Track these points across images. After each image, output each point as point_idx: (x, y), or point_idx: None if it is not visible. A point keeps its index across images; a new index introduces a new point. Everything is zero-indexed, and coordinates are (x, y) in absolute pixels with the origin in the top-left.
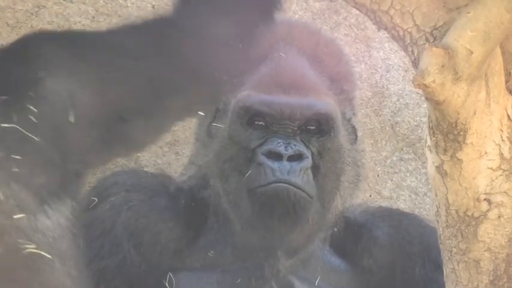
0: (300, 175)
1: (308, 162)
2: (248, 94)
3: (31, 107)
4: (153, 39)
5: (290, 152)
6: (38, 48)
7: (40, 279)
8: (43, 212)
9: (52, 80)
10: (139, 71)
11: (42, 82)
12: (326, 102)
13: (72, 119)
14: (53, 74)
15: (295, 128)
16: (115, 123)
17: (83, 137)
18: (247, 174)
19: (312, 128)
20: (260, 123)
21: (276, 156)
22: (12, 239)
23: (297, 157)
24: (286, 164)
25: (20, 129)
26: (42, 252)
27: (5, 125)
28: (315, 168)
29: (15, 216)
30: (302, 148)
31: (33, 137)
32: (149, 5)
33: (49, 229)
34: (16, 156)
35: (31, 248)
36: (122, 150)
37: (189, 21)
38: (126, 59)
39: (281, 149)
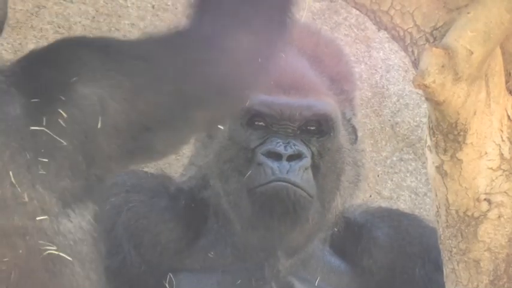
0: (299, 174)
1: (307, 161)
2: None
3: (61, 111)
4: (180, 49)
5: (289, 151)
6: (71, 53)
7: (59, 281)
8: (65, 215)
9: (83, 85)
10: (168, 82)
11: (73, 87)
12: (326, 102)
13: (100, 125)
14: (84, 80)
15: (295, 128)
16: (140, 132)
17: (108, 144)
18: (247, 175)
19: (312, 128)
20: (260, 123)
21: (276, 156)
22: (34, 240)
23: (297, 157)
24: (285, 164)
25: (49, 132)
26: (62, 254)
27: (35, 127)
28: (315, 168)
29: (38, 218)
30: (302, 148)
31: (61, 140)
32: (149, 5)
33: (70, 232)
34: (43, 159)
35: (52, 249)
36: (142, 159)
37: (210, 35)
38: (156, 69)
39: (280, 149)
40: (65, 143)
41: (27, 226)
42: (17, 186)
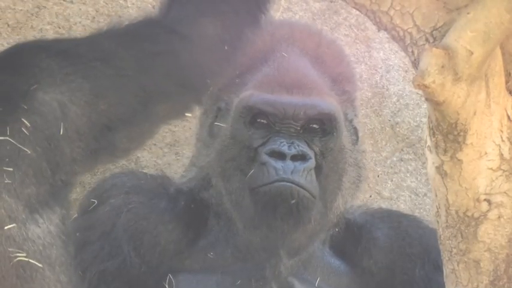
0: (303, 175)
1: (312, 163)
2: (251, 93)
3: (24, 120)
4: (140, 42)
5: (293, 151)
6: (29, 59)
7: (31, 286)
8: (33, 220)
9: (43, 92)
10: (128, 79)
11: (34, 94)
12: (329, 102)
13: (62, 130)
14: (44, 86)
15: (298, 128)
16: (102, 132)
17: (71, 148)
18: (249, 174)
19: (315, 127)
20: (263, 122)
21: (279, 156)
22: (3, 248)
23: (300, 157)
24: (289, 164)
25: (13, 142)
26: (31, 261)
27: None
28: (318, 169)
29: (6, 227)
30: (305, 148)
31: (25, 149)
32: (149, 5)
33: (39, 237)
34: (8, 168)
35: (21, 256)
36: (107, 158)
37: (175, 23)
38: (115, 67)
39: (284, 148)
40: (28, 152)
41: None
42: None
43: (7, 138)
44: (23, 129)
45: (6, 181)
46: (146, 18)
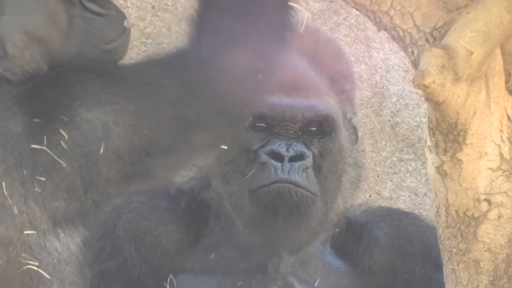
0: (300, 173)
1: (308, 160)
2: None
3: (63, 133)
4: (181, 72)
5: (291, 153)
6: (77, 76)
7: None
8: (55, 233)
9: (87, 110)
10: (170, 106)
11: (76, 110)
12: (327, 103)
13: (102, 150)
14: (88, 103)
15: (297, 130)
16: (140, 157)
17: (108, 168)
18: (249, 175)
19: (313, 129)
20: (262, 125)
21: (278, 157)
22: (17, 252)
23: (298, 158)
24: (287, 165)
25: (49, 152)
26: (41, 271)
27: (35, 146)
28: (317, 169)
29: (25, 232)
30: (303, 149)
31: (61, 162)
32: (149, 5)
33: (56, 251)
34: (41, 178)
35: (33, 264)
36: (141, 184)
37: (210, 55)
38: (159, 93)
39: (282, 150)
40: (64, 165)
41: (12, 237)
42: (8, 198)
43: (44, 148)
44: (62, 142)
45: (35, 189)
46: (181, 49)
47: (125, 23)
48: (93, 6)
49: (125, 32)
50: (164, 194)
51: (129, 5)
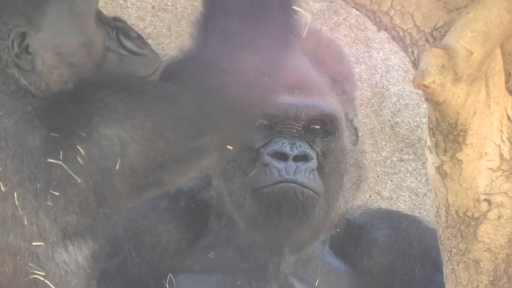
0: (305, 175)
1: (314, 163)
2: None
3: (79, 148)
4: (192, 82)
5: (295, 152)
6: (96, 93)
7: None
8: (63, 245)
9: (106, 126)
10: (186, 121)
11: (95, 126)
12: (330, 102)
13: (118, 166)
14: (107, 120)
15: (300, 128)
16: (154, 171)
17: (122, 184)
18: (251, 174)
19: (316, 128)
20: (264, 123)
21: (282, 157)
22: (24, 261)
23: (302, 157)
24: (292, 164)
25: (65, 167)
26: (47, 282)
27: (52, 160)
28: (320, 169)
29: (34, 243)
30: (307, 149)
31: (76, 177)
32: (149, 6)
33: (65, 262)
34: (54, 192)
35: (39, 274)
36: (150, 194)
37: (218, 59)
38: (176, 106)
39: (286, 149)
40: (79, 181)
41: (21, 246)
42: (19, 208)
43: (60, 162)
44: (78, 157)
45: (48, 203)
46: (190, 54)
47: (158, 64)
48: (129, 44)
49: (156, 72)
50: (164, 193)
51: (129, 5)
